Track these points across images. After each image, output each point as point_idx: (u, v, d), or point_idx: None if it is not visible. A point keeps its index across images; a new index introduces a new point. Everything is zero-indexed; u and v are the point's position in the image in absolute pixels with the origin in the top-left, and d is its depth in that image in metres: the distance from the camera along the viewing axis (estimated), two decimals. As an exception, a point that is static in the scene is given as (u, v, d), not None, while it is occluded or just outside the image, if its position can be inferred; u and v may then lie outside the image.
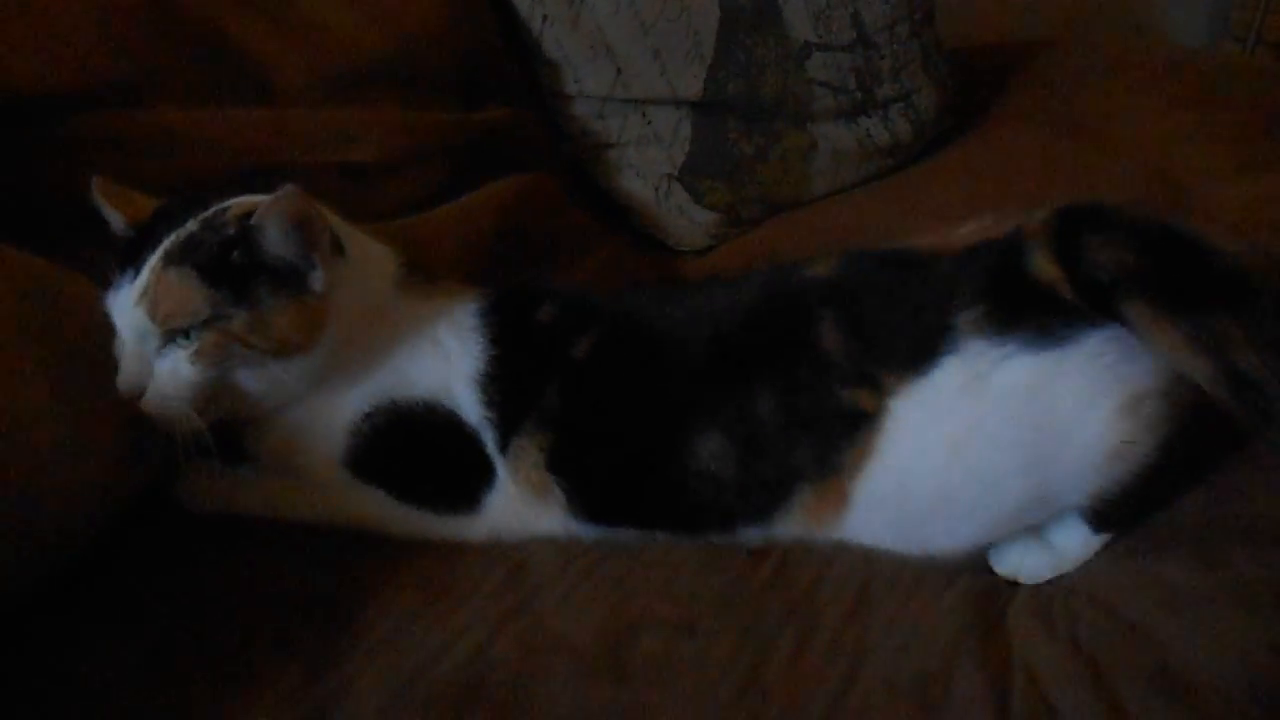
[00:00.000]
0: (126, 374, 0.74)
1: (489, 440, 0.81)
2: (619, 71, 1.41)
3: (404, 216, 1.21)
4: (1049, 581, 0.77)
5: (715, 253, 1.46)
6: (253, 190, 0.84)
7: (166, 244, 0.75)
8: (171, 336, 0.73)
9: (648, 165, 1.44)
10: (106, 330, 0.78)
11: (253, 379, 0.76)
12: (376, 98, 1.25)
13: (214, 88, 1.16)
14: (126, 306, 0.74)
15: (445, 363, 0.82)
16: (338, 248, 0.80)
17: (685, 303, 0.84)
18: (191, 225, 0.77)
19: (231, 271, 0.74)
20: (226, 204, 0.80)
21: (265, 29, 1.21)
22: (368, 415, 0.81)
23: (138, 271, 0.75)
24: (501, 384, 0.81)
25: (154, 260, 0.74)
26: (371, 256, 0.86)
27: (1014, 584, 0.78)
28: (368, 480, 0.82)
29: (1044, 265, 0.70)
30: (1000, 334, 0.71)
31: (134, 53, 1.11)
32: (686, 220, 1.45)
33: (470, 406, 0.81)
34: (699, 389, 0.78)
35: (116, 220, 0.82)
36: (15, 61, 1.04)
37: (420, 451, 0.82)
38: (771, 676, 0.67)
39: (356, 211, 1.15)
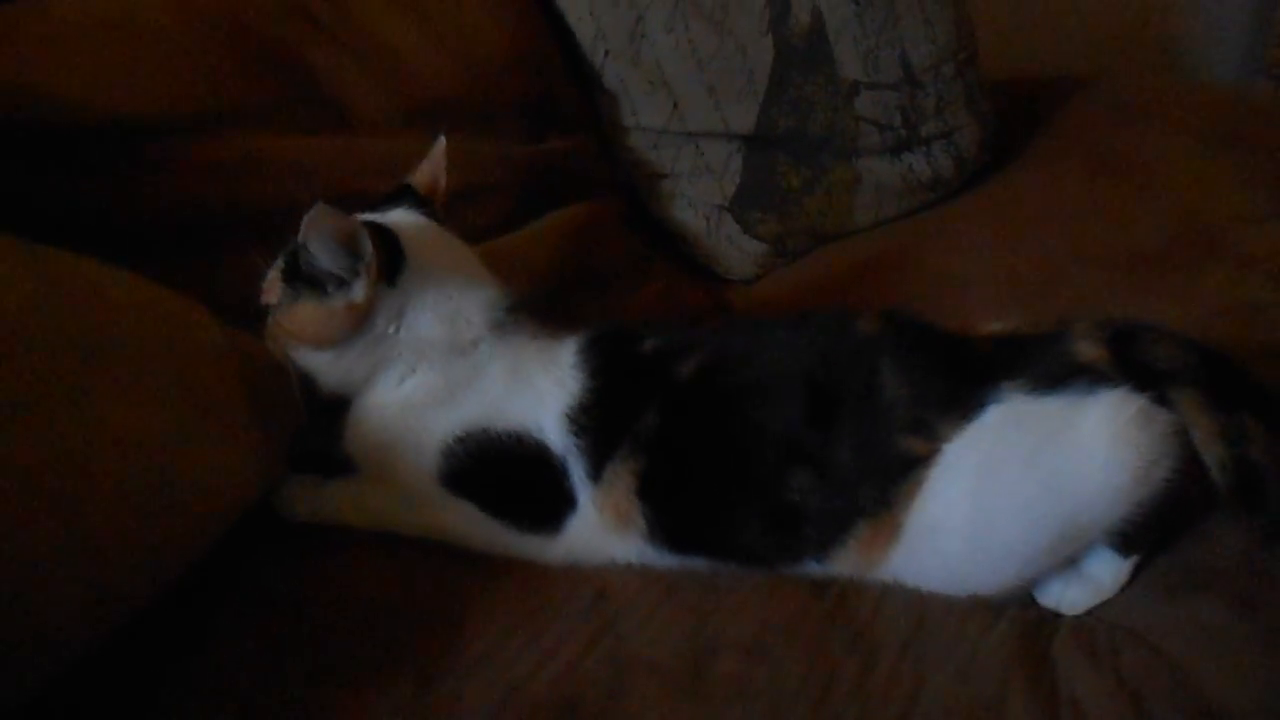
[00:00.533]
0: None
1: (578, 468, 0.87)
2: (675, 105, 1.47)
3: (472, 242, 1.27)
4: (1092, 615, 0.83)
5: (763, 282, 1.51)
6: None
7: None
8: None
9: (700, 196, 1.51)
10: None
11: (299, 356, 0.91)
12: (451, 128, 1.32)
13: (296, 115, 1.22)
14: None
15: (538, 401, 0.88)
16: (390, 278, 0.88)
17: (770, 340, 0.90)
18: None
19: (298, 271, 0.88)
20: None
21: (346, 61, 1.27)
22: (460, 439, 0.87)
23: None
24: (597, 414, 0.86)
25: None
26: (457, 297, 0.91)
27: (1058, 616, 0.84)
28: (459, 495, 0.88)
29: (1088, 349, 0.81)
30: (1038, 390, 0.80)
31: (222, 81, 1.17)
32: (736, 250, 1.51)
33: (559, 439, 0.87)
34: (792, 426, 0.84)
35: None
36: (112, 87, 1.10)
37: (508, 475, 0.88)
38: (840, 700, 0.73)
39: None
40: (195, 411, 0.80)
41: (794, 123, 1.52)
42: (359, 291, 0.86)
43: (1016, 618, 0.82)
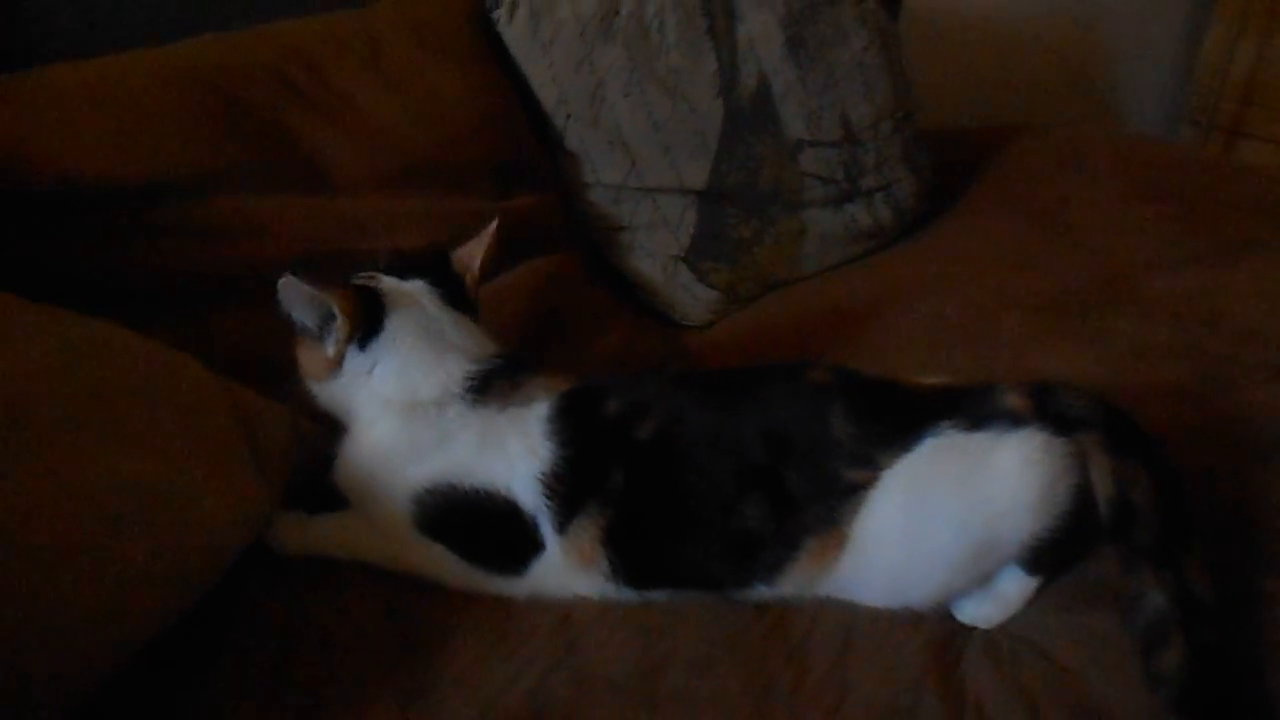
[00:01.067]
0: None
1: (546, 523, 0.96)
2: (633, 164, 1.59)
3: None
4: (1000, 629, 0.94)
5: (717, 327, 1.62)
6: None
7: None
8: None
9: (657, 247, 1.62)
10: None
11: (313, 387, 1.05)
12: (421, 188, 1.41)
13: (280, 179, 1.32)
14: None
15: (509, 465, 0.97)
16: (362, 341, 1.01)
17: (724, 391, 1.02)
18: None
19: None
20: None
21: (324, 126, 1.36)
22: (429, 490, 0.97)
23: None
24: (567, 479, 0.96)
25: None
26: (421, 368, 1.01)
27: (970, 630, 0.94)
28: (433, 538, 0.98)
29: (1015, 400, 0.94)
30: (967, 427, 0.93)
31: (206, 146, 1.27)
32: (691, 297, 1.62)
33: (530, 499, 0.96)
34: (747, 462, 0.95)
35: None
36: (106, 154, 1.19)
37: (477, 524, 0.98)
38: (775, 705, 0.83)
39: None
40: (200, 459, 0.90)
41: (744, 178, 1.64)
42: (329, 347, 1.00)
43: (934, 631, 0.92)
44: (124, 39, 1.31)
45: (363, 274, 1.08)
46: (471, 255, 1.13)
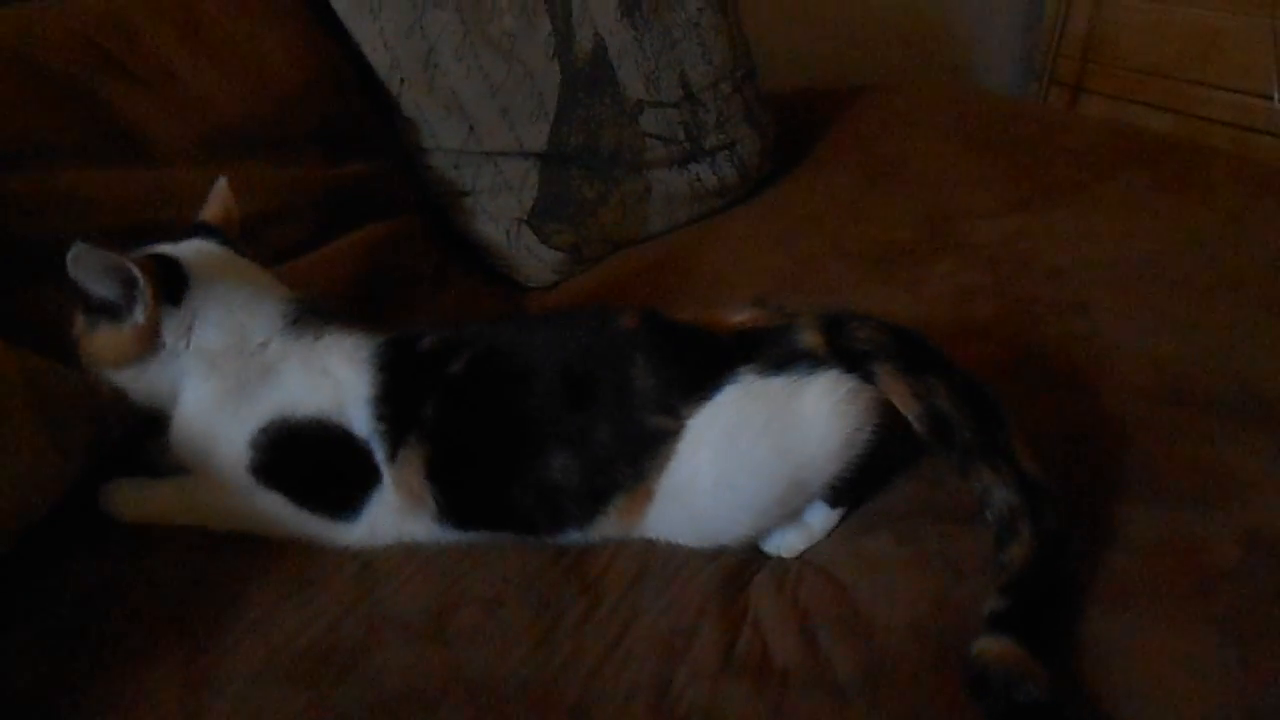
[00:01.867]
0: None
1: (379, 450, 0.98)
2: (471, 129, 1.59)
3: (277, 264, 1.36)
4: (785, 561, 0.99)
5: (560, 288, 1.65)
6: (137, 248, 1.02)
7: None
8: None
9: (499, 211, 1.63)
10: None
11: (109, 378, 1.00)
12: (248, 157, 1.40)
13: (97, 150, 1.29)
14: None
15: (336, 388, 0.99)
16: (173, 298, 0.98)
17: (537, 336, 1.04)
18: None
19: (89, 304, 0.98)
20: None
21: (142, 96, 1.34)
22: (263, 429, 0.98)
23: None
24: (389, 403, 0.98)
25: None
26: (240, 307, 1.01)
27: (761, 563, 0.99)
28: (268, 486, 0.98)
29: (810, 338, 0.97)
30: (767, 372, 0.96)
31: (21, 118, 1.23)
32: (535, 259, 1.64)
33: (362, 423, 0.98)
34: (553, 413, 0.97)
35: None
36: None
37: (312, 458, 0.99)
38: (560, 636, 0.86)
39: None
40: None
41: (584, 140, 1.66)
42: (139, 314, 0.96)
43: (725, 562, 0.96)
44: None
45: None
46: (223, 210, 1.13)
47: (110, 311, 0.97)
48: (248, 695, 0.80)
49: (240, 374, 0.99)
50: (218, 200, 1.14)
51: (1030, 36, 2.78)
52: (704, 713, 0.79)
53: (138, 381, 1.00)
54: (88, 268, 0.94)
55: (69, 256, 0.92)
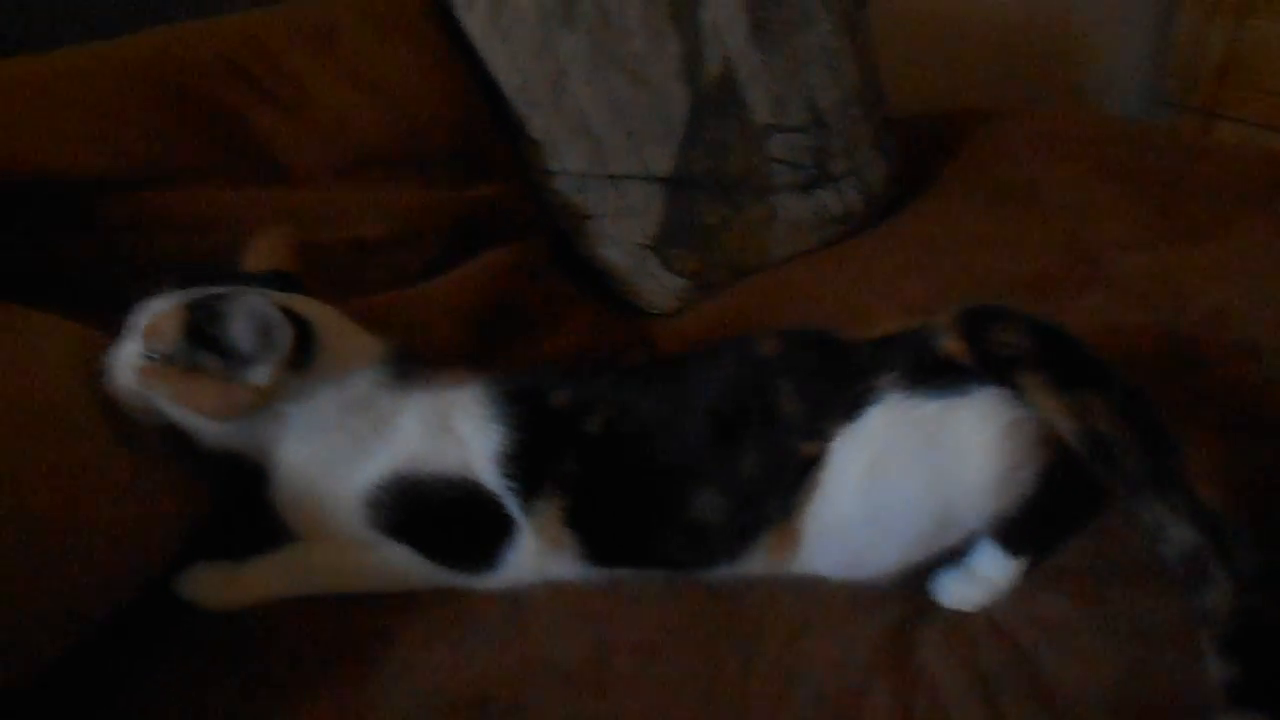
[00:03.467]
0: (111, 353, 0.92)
1: (512, 502, 0.93)
2: (597, 151, 1.57)
3: (404, 287, 1.35)
4: (956, 615, 0.93)
5: (685, 315, 1.61)
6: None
7: (198, 290, 0.92)
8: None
9: (623, 235, 1.60)
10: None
11: (175, 412, 0.92)
12: (380, 177, 1.40)
13: (233, 170, 1.30)
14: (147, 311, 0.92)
15: (459, 447, 0.94)
16: (301, 358, 0.91)
17: (675, 378, 0.99)
18: (223, 289, 0.91)
19: (202, 332, 0.89)
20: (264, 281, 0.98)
21: (280, 116, 1.35)
22: (381, 485, 0.93)
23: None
24: (521, 461, 0.93)
25: (180, 297, 0.91)
26: (360, 353, 0.98)
27: (929, 614, 0.93)
28: (393, 538, 0.94)
29: (950, 343, 0.90)
30: (912, 389, 0.89)
31: (166, 140, 1.25)
32: (658, 286, 1.61)
33: (492, 478, 0.94)
34: (696, 453, 0.93)
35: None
36: (59, 147, 1.17)
37: (441, 514, 0.94)
38: (722, 692, 0.82)
39: (361, 283, 1.31)
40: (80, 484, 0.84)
41: (711, 164, 1.63)
42: (263, 374, 0.89)
43: (891, 614, 0.91)
44: (78, 33, 1.29)
45: (193, 289, 0.95)
46: (289, 257, 1.07)
47: (223, 356, 0.89)
48: (406, 740, 0.78)
49: (352, 429, 0.94)
50: (285, 248, 1.09)
51: (1159, 58, 2.67)
52: (887, 785, 0.74)
53: (225, 431, 0.93)
54: (251, 316, 0.87)
55: (238, 300, 0.87)
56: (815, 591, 0.94)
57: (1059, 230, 1.66)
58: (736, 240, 1.66)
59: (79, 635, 0.81)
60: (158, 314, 0.90)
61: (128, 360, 0.90)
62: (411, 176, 1.42)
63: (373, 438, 0.94)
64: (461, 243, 1.43)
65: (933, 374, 0.89)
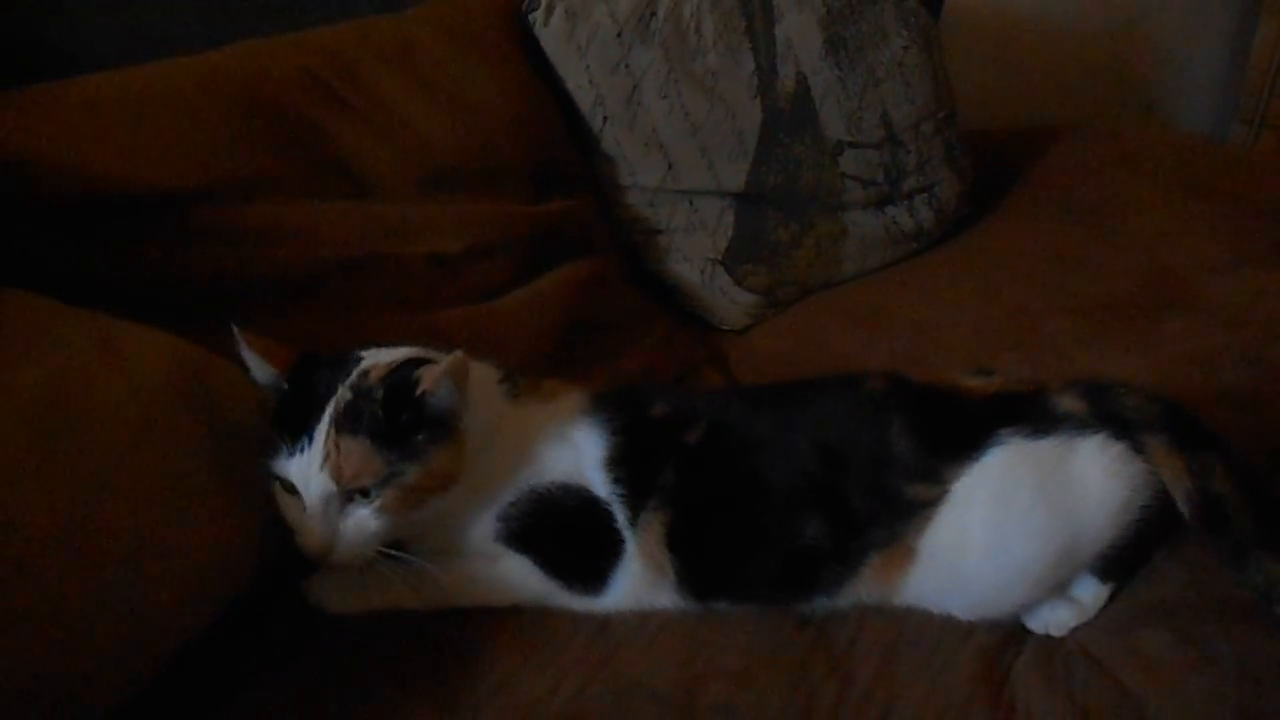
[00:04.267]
0: (317, 535, 0.84)
1: (620, 515, 0.93)
2: (670, 166, 1.57)
3: (481, 301, 1.35)
4: (1054, 645, 0.91)
5: (755, 331, 1.60)
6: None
7: (331, 413, 0.84)
8: (351, 496, 0.84)
9: (694, 250, 1.60)
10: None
11: (426, 513, 0.88)
12: (458, 191, 1.40)
13: (316, 183, 1.31)
14: (310, 472, 0.83)
15: (574, 453, 0.95)
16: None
17: (777, 403, 1.00)
18: (345, 393, 0.86)
19: (399, 432, 0.84)
20: (364, 364, 0.90)
21: (361, 130, 1.35)
22: (511, 503, 0.93)
23: (310, 439, 0.84)
24: (626, 466, 0.94)
25: (326, 430, 0.84)
26: (479, 380, 0.95)
27: (1020, 644, 0.91)
28: (517, 549, 0.94)
29: (1070, 402, 0.93)
30: (1033, 434, 0.91)
31: (247, 152, 1.25)
32: (728, 301, 1.60)
33: (601, 486, 0.94)
34: (803, 478, 0.93)
35: (265, 371, 0.91)
36: (142, 161, 1.18)
37: (562, 521, 0.94)
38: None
39: (439, 298, 1.31)
40: (171, 502, 0.83)
41: (782, 180, 1.62)
42: (469, 419, 0.89)
43: (982, 642, 0.90)
44: (161, 48, 1.31)
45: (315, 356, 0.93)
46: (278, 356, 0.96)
47: (429, 428, 0.86)
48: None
49: (489, 449, 0.93)
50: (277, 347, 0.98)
51: (1236, 73, 2.61)
52: (993, 825, 0.72)
53: (459, 492, 0.90)
54: (451, 386, 0.85)
55: (445, 369, 0.83)
56: (902, 619, 0.92)
57: (1137, 251, 1.62)
58: (807, 256, 1.65)
59: (171, 653, 0.81)
60: (342, 461, 0.83)
61: (360, 519, 0.85)
62: (487, 191, 1.43)
63: (508, 456, 0.94)
64: (535, 258, 1.43)
65: (1048, 424, 0.92)
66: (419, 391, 0.85)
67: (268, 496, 0.90)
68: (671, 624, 0.91)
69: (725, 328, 1.62)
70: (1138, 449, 0.90)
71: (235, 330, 0.89)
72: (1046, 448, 0.90)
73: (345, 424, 0.84)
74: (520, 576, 0.94)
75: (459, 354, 0.85)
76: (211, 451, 0.88)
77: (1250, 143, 2.53)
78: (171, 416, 0.86)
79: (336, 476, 0.83)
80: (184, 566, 0.82)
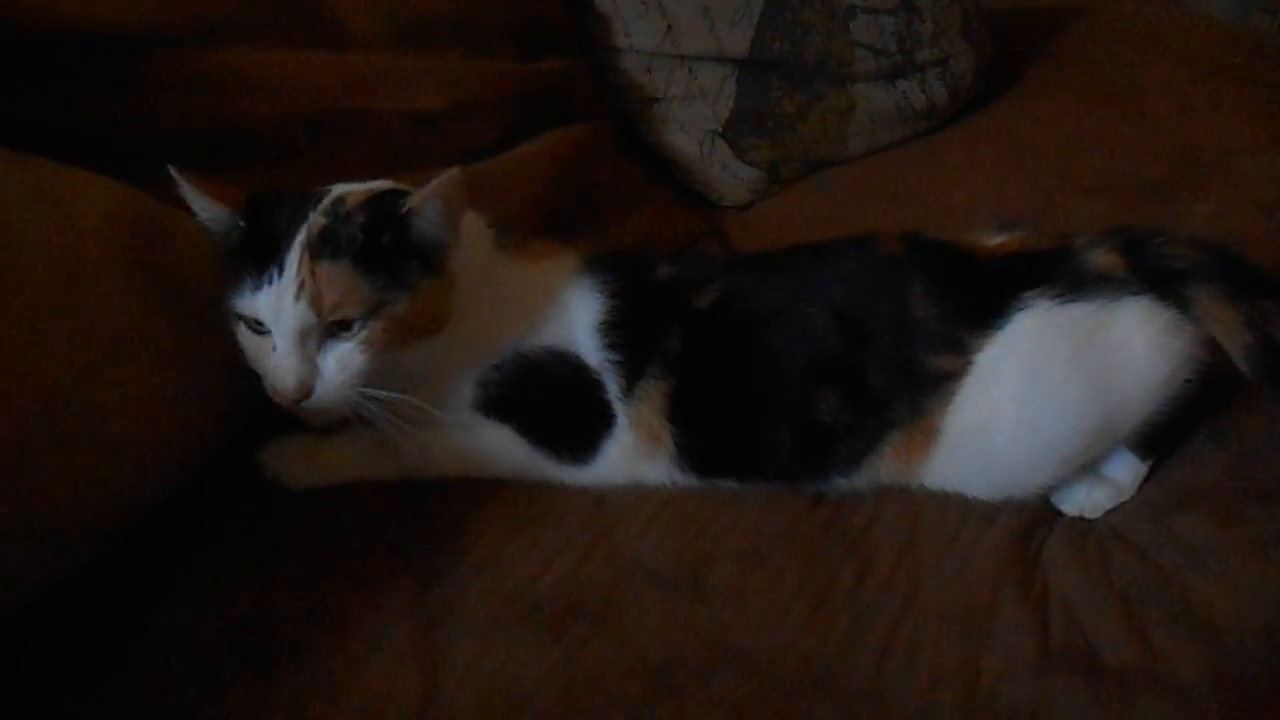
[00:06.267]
0: (294, 374, 0.74)
1: (613, 385, 0.86)
2: (669, 27, 1.45)
3: (466, 162, 1.25)
4: (1079, 528, 0.85)
5: (756, 208, 1.51)
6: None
7: (303, 240, 0.75)
8: (333, 331, 0.75)
9: (693, 120, 1.49)
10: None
11: (410, 357, 0.78)
12: (441, 45, 1.29)
13: (284, 31, 1.19)
14: (283, 305, 0.73)
15: (567, 315, 0.86)
16: None
17: (791, 270, 0.91)
18: (319, 218, 0.76)
19: (383, 257, 0.75)
20: (332, 192, 0.80)
21: (337, -27, 1.24)
22: (495, 366, 0.85)
23: (280, 269, 0.74)
24: (625, 331, 0.86)
25: (299, 256, 0.74)
26: (469, 224, 0.86)
27: (1049, 526, 0.85)
28: (498, 418, 0.85)
29: (1103, 257, 0.85)
30: (1063, 297, 0.83)
31: (215, -4, 1.15)
32: (729, 175, 1.50)
33: (593, 352, 0.86)
34: (819, 347, 0.85)
35: (215, 211, 0.80)
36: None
37: (547, 392, 0.86)
38: (836, 604, 0.74)
39: (423, 158, 1.21)
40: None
41: (789, 47, 1.50)
42: (455, 257, 0.79)
43: (1008, 525, 0.83)
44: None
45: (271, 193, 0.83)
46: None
47: (419, 257, 0.77)
48: (492, 640, 0.71)
49: (476, 307, 0.83)
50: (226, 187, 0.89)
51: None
52: (1030, 714, 0.66)
53: (447, 338, 0.81)
54: (450, 198, 0.76)
55: (436, 186, 0.74)
56: (921, 500, 0.86)
57: (1163, 132, 1.53)
58: (813, 130, 1.54)
59: (126, 519, 0.74)
60: (322, 287, 0.74)
61: (342, 355, 0.76)
62: (470, 46, 1.31)
63: (498, 312, 0.85)
64: (524, 121, 1.33)
65: (1080, 285, 0.84)
66: (404, 210, 0.75)
67: (233, 350, 0.79)
68: (671, 502, 0.84)
69: (725, 204, 1.52)
70: (1184, 305, 0.82)
71: (172, 171, 0.78)
72: (1081, 313, 0.82)
73: (322, 249, 0.74)
74: (503, 445, 0.86)
75: (455, 170, 0.75)
76: (159, 303, 0.78)
77: (1274, 33, 2.42)
78: (108, 260, 0.76)
79: (317, 306, 0.73)
80: (131, 425, 0.73)
